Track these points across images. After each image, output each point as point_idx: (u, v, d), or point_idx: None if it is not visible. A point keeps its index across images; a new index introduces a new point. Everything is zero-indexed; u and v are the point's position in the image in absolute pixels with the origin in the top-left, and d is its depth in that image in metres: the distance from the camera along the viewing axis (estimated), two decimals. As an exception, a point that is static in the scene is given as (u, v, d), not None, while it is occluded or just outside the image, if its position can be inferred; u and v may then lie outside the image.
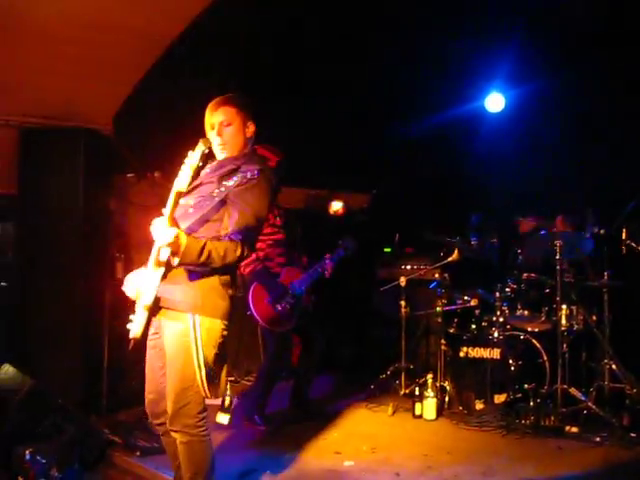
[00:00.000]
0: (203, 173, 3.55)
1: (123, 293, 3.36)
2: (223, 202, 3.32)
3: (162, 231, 3.08)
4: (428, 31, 5.93)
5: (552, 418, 5.28)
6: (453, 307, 6.36)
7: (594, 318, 5.75)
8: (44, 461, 4.07)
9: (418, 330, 6.85)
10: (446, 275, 6.30)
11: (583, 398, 5.33)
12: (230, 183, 3.27)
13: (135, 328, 3.21)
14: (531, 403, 5.43)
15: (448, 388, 5.78)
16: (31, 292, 5.55)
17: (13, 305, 5.59)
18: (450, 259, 6.22)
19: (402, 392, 6.24)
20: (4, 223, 5.88)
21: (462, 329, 6.24)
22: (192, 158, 3.17)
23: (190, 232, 3.24)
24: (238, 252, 3.20)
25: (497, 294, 5.97)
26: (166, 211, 3.13)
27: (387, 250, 7.48)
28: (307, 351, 5.65)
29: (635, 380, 5.40)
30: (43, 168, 5.57)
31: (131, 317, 3.25)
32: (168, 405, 3.28)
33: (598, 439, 4.95)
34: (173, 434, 3.31)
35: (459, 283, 6.45)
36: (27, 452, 4.05)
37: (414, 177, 7.79)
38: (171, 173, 3.18)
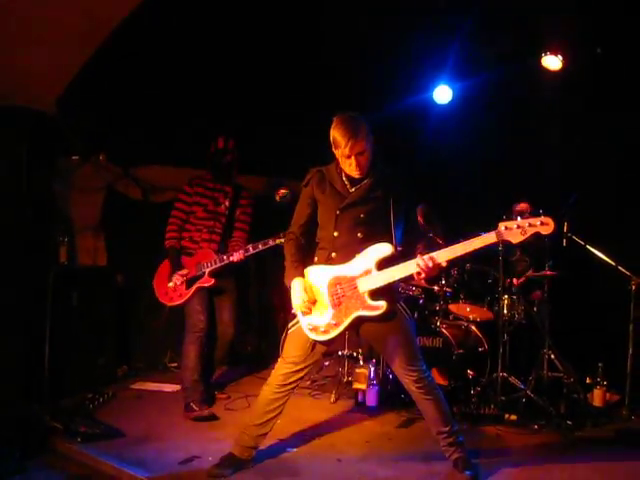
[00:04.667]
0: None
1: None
2: None
3: None
4: (377, 24, 5.94)
5: (492, 406, 5.39)
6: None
7: (535, 309, 5.88)
8: (-18, 449, 4.01)
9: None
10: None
11: (522, 387, 5.45)
12: None
13: None
14: (472, 391, 5.53)
15: (390, 376, 5.84)
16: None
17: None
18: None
19: (345, 380, 6.28)
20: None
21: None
22: None
23: None
24: None
25: (440, 283, 6.04)
26: None
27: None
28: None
29: (572, 369, 5.53)
30: (-16, 149, 5.44)
31: None
32: None
33: (536, 426, 5.08)
34: None
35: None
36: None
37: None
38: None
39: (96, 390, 5.75)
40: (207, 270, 5.43)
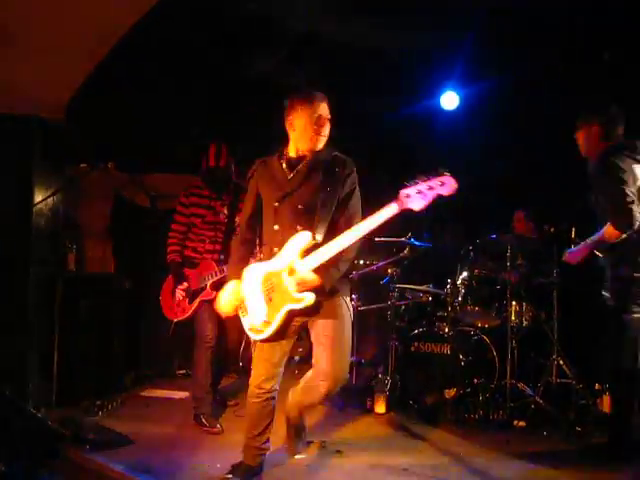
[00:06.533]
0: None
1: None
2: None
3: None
4: (382, 30, 5.94)
5: (500, 412, 5.38)
6: (404, 302, 6.42)
7: (543, 315, 5.86)
8: (-10, 455, 4.01)
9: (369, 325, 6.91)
10: (398, 270, 6.32)
11: (531, 393, 5.44)
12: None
13: None
14: (480, 398, 5.52)
15: (399, 383, 5.83)
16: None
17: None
18: (402, 255, 6.28)
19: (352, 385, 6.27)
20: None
21: (413, 324, 6.29)
22: None
23: None
24: None
25: (448, 290, 6.03)
26: None
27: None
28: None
29: (581, 376, 5.51)
30: (-7, 156, 5.47)
31: None
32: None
33: (545, 433, 5.07)
34: None
35: (411, 279, 6.50)
36: (-28, 446, 3.99)
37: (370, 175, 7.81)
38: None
39: (105, 397, 5.76)
40: (209, 283, 5.28)
